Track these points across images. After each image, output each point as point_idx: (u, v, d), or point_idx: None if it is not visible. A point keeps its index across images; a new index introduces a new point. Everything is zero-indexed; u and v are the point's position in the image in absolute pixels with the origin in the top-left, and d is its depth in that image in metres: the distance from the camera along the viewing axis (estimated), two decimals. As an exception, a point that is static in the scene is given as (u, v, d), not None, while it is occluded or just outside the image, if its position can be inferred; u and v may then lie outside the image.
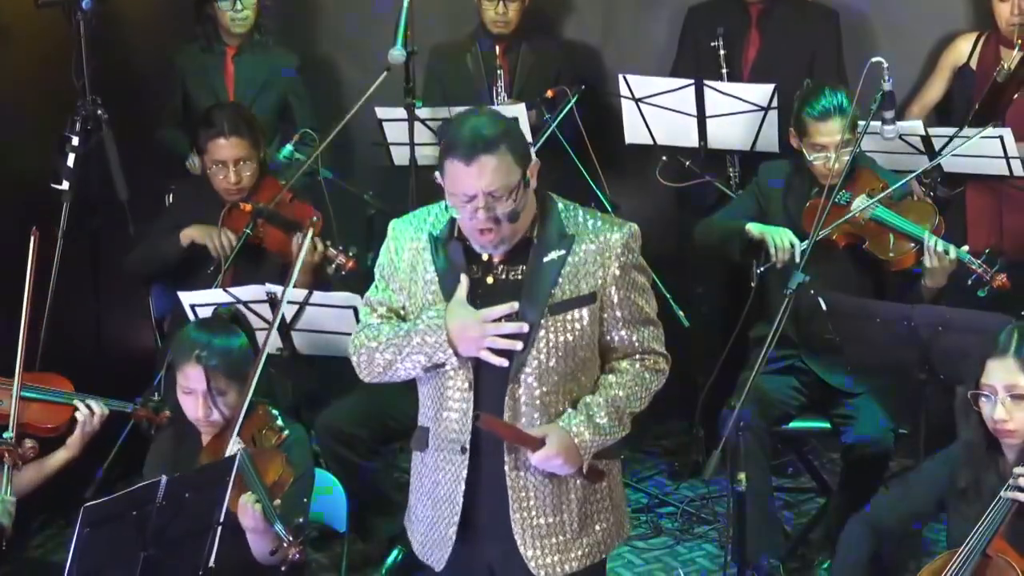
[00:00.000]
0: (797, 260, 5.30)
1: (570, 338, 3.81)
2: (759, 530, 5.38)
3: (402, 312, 3.92)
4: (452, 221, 3.85)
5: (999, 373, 4.26)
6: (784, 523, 5.98)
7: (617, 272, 3.83)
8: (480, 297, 3.81)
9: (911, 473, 4.71)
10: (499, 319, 3.76)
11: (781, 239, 5.47)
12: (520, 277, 3.81)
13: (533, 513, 3.87)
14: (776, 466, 6.20)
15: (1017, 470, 4.21)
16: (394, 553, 5.73)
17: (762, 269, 5.52)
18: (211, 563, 4.10)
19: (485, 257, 3.84)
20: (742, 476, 4.63)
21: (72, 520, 3.84)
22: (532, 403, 3.81)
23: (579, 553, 3.92)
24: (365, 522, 5.61)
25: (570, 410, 3.83)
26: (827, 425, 5.64)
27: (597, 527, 3.95)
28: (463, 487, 3.85)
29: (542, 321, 3.78)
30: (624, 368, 3.91)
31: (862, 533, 4.53)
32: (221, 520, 4.09)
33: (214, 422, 4.51)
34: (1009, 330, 4.31)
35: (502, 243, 3.78)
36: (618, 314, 3.86)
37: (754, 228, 5.57)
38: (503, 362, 3.76)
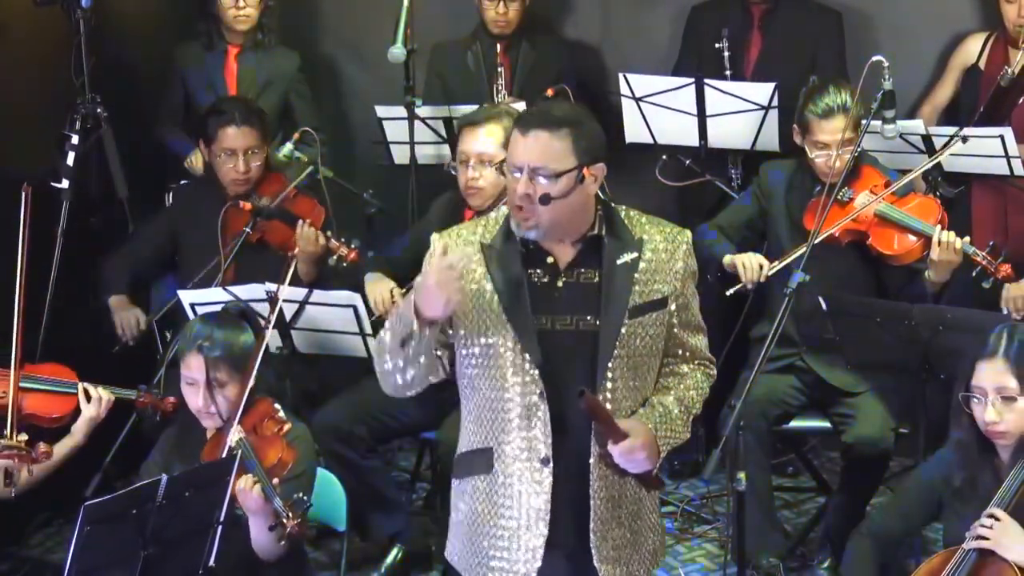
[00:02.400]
0: (762, 280, 5.45)
1: (647, 342, 3.79)
2: (759, 529, 5.40)
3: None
4: (505, 226, 3.78)
5: (989, 374, 4.26)
6: (784, 522, 5.98)
7: (684, 277, 3.83)
8: (553, 302, 3.76)
9: (908, 480, 4.71)
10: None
11: (750, 261, 5.53)
12: (593, 280, 3.77)
13: (609, 526, 3.82)
14: (776, 465, 6.20)
15: (981, 523, 4.20)
16: (393, 551, 5.73)
17: (731, 292, 5.54)
18: (211, 562, 4.10)
19: (550, 260, 3.78)
20: (742, 475, 4.61)
21: (72, 518, 3.84)
22: (610, 404, 3.76)
23: (638, 564, 3.90)
24: (364, 520, 5.61)
25: (644, 409, 3.81)
26: (827, 424, 5.64)
27: (649, 540, 3.93)
28: (549, 502, 3.78)
29: (624, 325, 3.74)
30: (686, 372, 3.91)
31: (866, 546, 4.54)
32: (222, 519, 4.09)
33: (214, 414, 4.52)
34: (999, 331, 4.31)
35: (536, 227, 3.70)
36: (682, 319, 3.86)
37: (727, 259, 5.61)
38: (444, 307, 3.61)
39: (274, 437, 4.46)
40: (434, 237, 3.85)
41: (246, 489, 4.26)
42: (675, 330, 3.86)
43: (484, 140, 5.39)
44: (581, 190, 3.72)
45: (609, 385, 3.76)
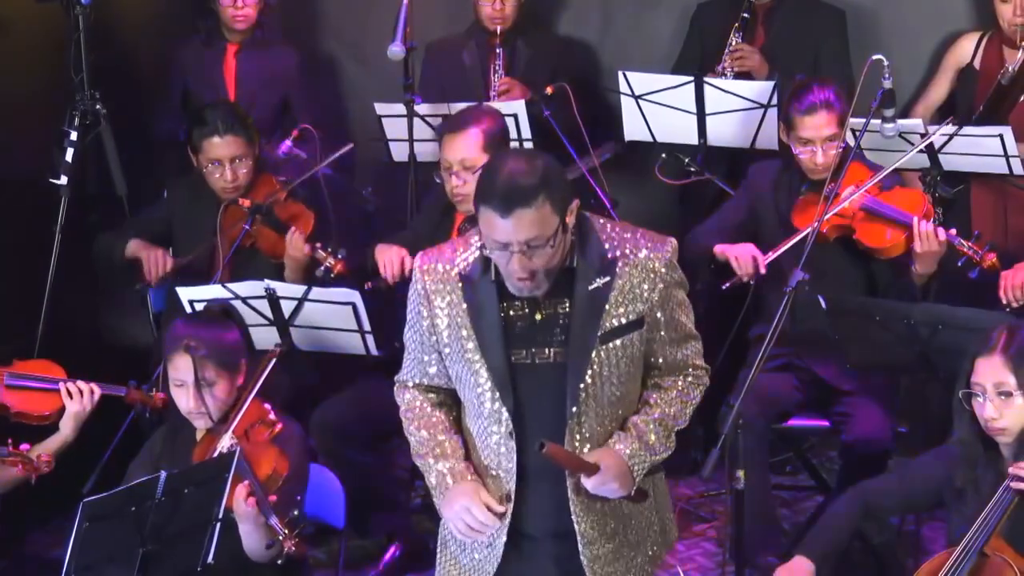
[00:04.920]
0: (762, 271, 5.43)
1: (622, 365, 3.75)
2: (758, 528, 5.39)
3: (438, 352, 3.83)
4: (483, 260, 3.75)
5: (987, 371, 4.28)
6: (783, 521, 5.98)
7: (663, 293, 3.76)
8: (532, 336, 3.73)
9: (912, 461, 4.71)
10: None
11: (743, 254, 5.52)
12: (567, 309, 3.73)
13: (598, 544, 3.82)
14: (775, 464, 6.20)
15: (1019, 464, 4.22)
16: (391, 549, 5.73)
17: (726, 286, 5.54)
18: (210, 559, 4.10)
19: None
20: (741, 474, 4.62)
21: (71, 515, 3.84)
22: (587, 432, 3.75)
23: (636, 572, 3.90)
24: (363, 518, 5.60)
25: (620, 432, 3.79)
26: (826, 423, 5.64)
27: (648, 542, 3.93)
28: (505, 532, 3.80)
29: (594, 351, 3.71)
30: (669, 385, 3.86)
31: (853, 502, 4.57)
32: (220, 516, 4.08)
33: (204, 414, 4.51)
34: (999, 329, 4.33)
35: (538, 288, 3.67)
36: (664, 335, 3.81)
37: (718, 248, 5.61)
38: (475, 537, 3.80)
39: (267, 446, 4.44)
40: (416, 263, 3.85)
41: (241, 499, 4.25)
42: (657, 345, 3.81)
43: (464, 145, 5.37)
44: (566, 235, 3.68)
45: (583, 417, 3.74)
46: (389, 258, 5.54)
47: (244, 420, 4.49)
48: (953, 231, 5.33)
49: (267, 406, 4.56)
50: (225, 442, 4.39)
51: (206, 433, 4.56)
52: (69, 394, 5.01)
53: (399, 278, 5.47)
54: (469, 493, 3.76)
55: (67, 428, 4.99)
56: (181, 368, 4.52)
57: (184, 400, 4.53)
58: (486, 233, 3.65)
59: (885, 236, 5.43)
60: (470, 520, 3.75)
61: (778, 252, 5.43)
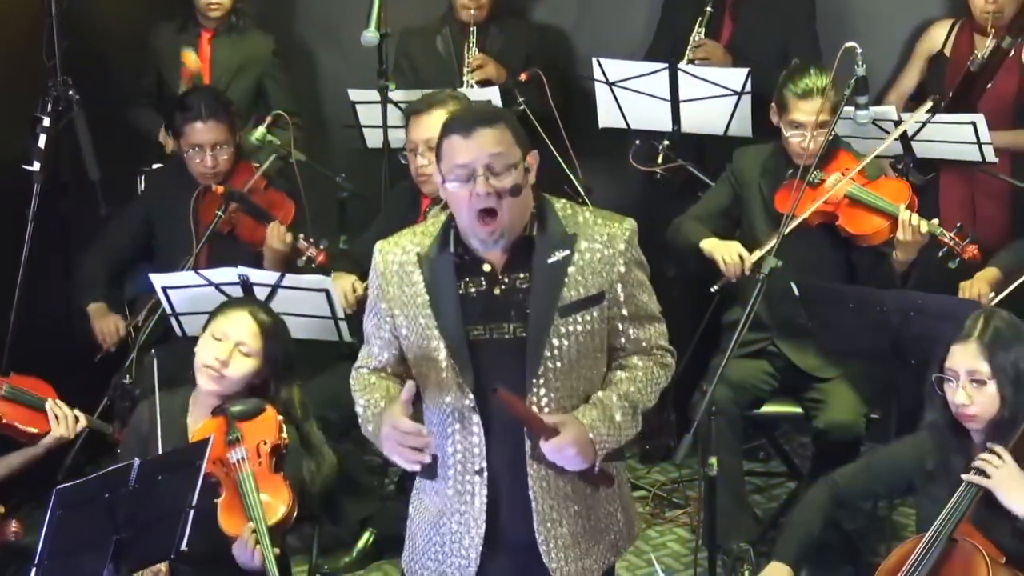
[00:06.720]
0: (746, 272, 5.45)
1: (581, 339, 3.75)
2: (730, 514, 5.40)
3: (394, 337, 3.85)
4: (441, 236, 3.78)
5: (962, 358, 4.29)
6: (755, 507, 6.00)
7: (623, 270, 3.78)
8: (490, 311, 3.74)
9: (882, 451, 4.73)
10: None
11: (729, 255, 5.53)
12: (527, 285, 3.74)
13: (556, 524, 3.81)
14: (747, 450, 6.22)
15: (981, 456, 4.23)
16: (365, 536, 5.73)
17: (715, 288, 5.57)
18: (183, 546, 4.09)
19: (487, 268, 3.75)
20: (713, 460, 4.64)
21: (44, 503, 3.83)
22: (547, 407, 3.74)
23: (596, 558, 3.89)
24: (336, 505, 5.60)
25: (584, 405, 3.78)
26: (799, 410, 5.65)
27: (609, 533, 3.92)
28: (484, 511, 3.79)
29: (553, 324, 3.72)
30: (635, 364, 3.86)
31: (824, 499, 4.57)
32: (194, 504, 4.08)
33: (219, 378, 4.52)
34: (975, 316, 4.34)
35: (503, 235, 3.68)
36: (625, 312, 3.82)
37: (706, 245, 5.62)
38: (414, 467, 3.75)
39: (279, 482, 4.43)
40: (376, 248, 3.86)
41: (247, 545, 4.26)
42: (618, 323, 3.83)
43: (429, 126, 5.37)
44: (527, 179, 3.71)
45: (543, 391, 3.74)
46: (343, 289, 5.52)
47: (258, 431, 4.48)
48: (936, 221, 5.35)
49: (280, 419, 4.54)
50: (237, 454, 4.40)
51: (211, 413, 4.55)
52: (56, 417, 5.00)
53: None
54: (389, 413, 3.72)
55: (43, 448, 4.98)
56: (235, 322, 4.56)
57: (210, 353, 4.54)
58: (448, 167, 3.68)
59: (869, 224, 5.45)
60: (398, 436, 3.68)
61: (765, 250, 5.37)
